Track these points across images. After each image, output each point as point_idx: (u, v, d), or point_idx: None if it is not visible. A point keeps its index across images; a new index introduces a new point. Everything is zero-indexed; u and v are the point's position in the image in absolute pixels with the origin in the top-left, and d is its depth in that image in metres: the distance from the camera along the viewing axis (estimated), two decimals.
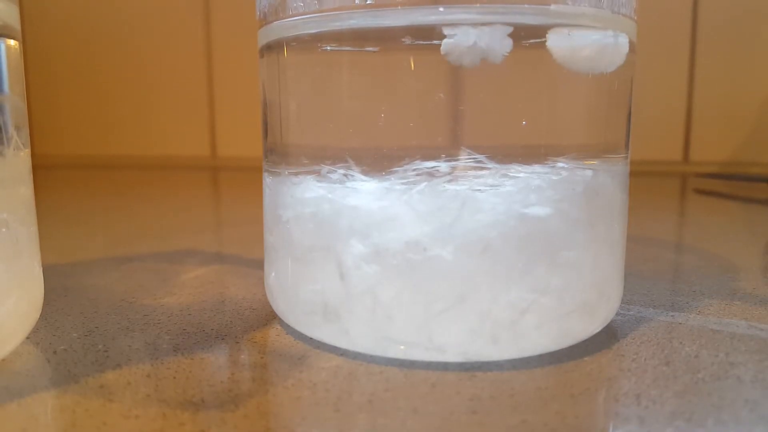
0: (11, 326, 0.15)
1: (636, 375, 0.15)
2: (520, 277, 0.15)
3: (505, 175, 0.14)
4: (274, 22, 0.16)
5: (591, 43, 0.15)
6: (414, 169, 0.14)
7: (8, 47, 0.15)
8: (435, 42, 0.14)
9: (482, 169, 0.14)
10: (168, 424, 0.12)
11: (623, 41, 0.16)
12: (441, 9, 0.14)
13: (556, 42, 0.14)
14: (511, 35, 0.14)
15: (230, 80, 0.72)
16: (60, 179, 0.63)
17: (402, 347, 0.15)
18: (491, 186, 0.14)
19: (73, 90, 0.76)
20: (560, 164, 0.15)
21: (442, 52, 0.14)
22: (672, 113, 0.64)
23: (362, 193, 0.15)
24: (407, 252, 0.14)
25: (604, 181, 0.16)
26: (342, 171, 0.15)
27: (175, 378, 0.15)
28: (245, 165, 0.70)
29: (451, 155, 0.14)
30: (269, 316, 0.19)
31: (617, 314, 0.19)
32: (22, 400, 0.14)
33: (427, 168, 0.14)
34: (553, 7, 0.14)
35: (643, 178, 0.57)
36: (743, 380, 0.14)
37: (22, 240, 0.15)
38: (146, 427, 0.12)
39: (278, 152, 0.17)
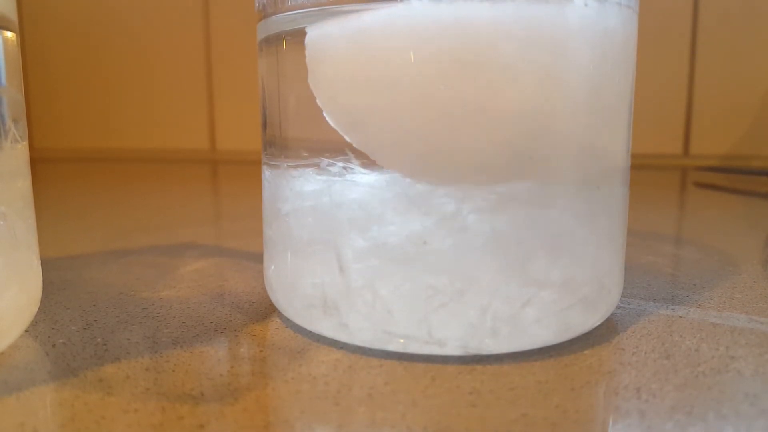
0: (9, 319, 0.15)
1: (636, 368, 0.15)
2: (520, 270, 0.14)
3: None
4: (273, 16, 0.16)
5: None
6: None
7: (5, 39, 0.15)
8: None
9: None
10: (167, 417, 0.12)
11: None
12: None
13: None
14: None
15: (229, 73, 0.72)
16: (59, 172, 0.63)
17: (401, 341, 0.15)
18: None
19: (71, 83, 0.76)
20: None
21: None
22: (672, 106, 0.64)
23: (362, 186, 0.15)
24: (407, 245, 0.14)
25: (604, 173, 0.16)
26: (341, 164, 0.15)
27: (174, 371, 0.15)
28: (244, 158, 0.70)
29: None
30: (268, 310, 0.19)
31: (617, 307, 0.19)
32: (20, 393, 0.13)
33: None
34: None
35: (643, 172, 0.57)
36: (743, 374, 0.14)
37: (20, 233, 0.15)
38: (145, 420, 0.12)
39: (277, 145, 0.17)
